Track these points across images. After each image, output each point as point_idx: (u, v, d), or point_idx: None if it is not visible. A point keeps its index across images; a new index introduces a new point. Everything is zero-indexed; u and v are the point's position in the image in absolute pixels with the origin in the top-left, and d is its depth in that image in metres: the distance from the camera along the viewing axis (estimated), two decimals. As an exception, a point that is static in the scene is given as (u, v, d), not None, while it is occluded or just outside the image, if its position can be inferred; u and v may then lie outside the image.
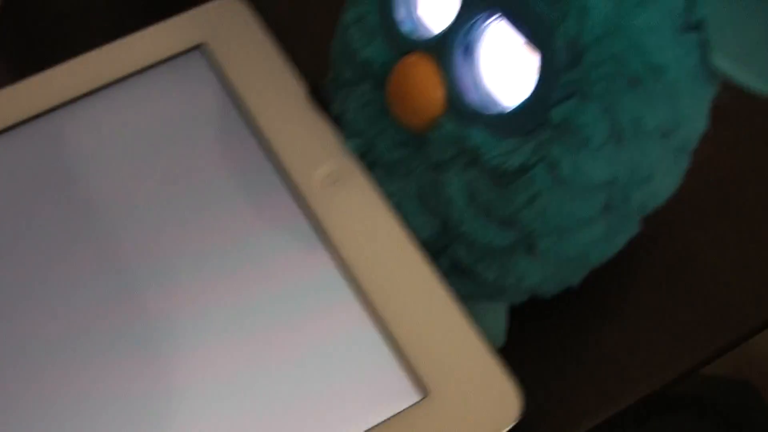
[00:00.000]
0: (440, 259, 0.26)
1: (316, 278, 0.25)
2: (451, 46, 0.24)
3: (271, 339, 0.24)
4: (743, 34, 0.22)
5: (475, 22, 0.23)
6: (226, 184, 0.27)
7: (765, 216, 0.30)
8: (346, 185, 0.26)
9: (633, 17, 0.21)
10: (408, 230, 0.26)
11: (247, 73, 0.29)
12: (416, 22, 0.25)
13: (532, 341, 0.27)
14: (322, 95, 0.28)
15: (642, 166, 0.23)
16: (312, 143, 0.27)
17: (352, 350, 0.24)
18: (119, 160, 0.28)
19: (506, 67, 0.24)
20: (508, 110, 0.23)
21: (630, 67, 0.21)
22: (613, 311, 0.28)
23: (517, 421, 0.23)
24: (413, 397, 0.24)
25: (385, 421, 0.23)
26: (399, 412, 0.23)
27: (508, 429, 0.23)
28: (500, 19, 0.23)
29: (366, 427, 0.23)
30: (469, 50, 0.24)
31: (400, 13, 0.25)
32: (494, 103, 0.24)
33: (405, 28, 0.25)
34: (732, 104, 0.23)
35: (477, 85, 0.24)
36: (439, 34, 0.24)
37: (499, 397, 0.23)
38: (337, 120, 0.28)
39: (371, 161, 0.27)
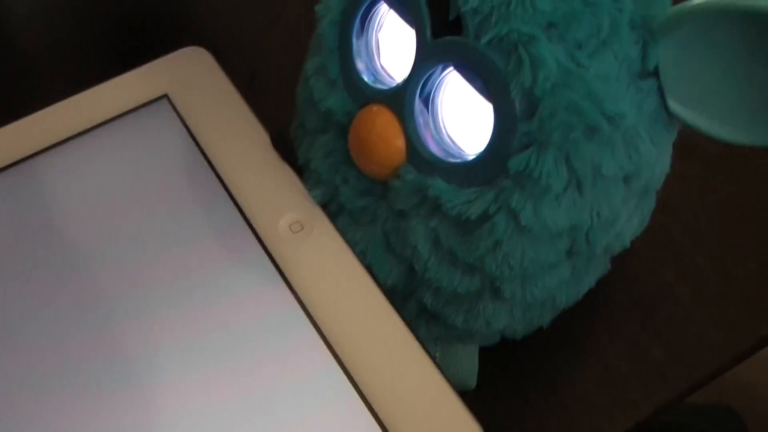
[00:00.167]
0: (408, 304, 0.26)
1: (281, 321, 0.25)
2: (410, 97, 0.24)
3: (236, 379, 0.24)
4: (696, 80, 0.22)
5: (432, 74, 0.23)
6: (194, 231, 0.27)
7: (736, 251, 0.30)
8: (312, 233, 0.26)
9: (587, 67, 0.21)
10: (373, 277, 0.26)
11: (212, 122, 0.29)
12: (376, 73, 0.25)
13: (504, 379, 0.27)
14: (287, 142, 0.28)
15: (604, 210, 0.23)
16: (276, 192, 0.27)
17: (315, 391, 0.24)
18: (90, 209, 0.28)
19: (466, 118, 0.24)
20: (468, 159, 0.23)
21: (586, 117, 0.21)
22: (585, 349, 0.29)
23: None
24: None
25: None
26: None
27: None
28: (455, 70, 0.23)
29: None
30: (428, 100, 0.24)
31: (361, 64, 0.25)
32: (455, 152, 0.24)
33: (365, 78, 0.25)
34: (701, 141, 0.23)
35: (437, 134, 0.24)
36: (399, 84, 0.24)
37: None
38: (303, 167, 0.28)
39: (336, 209, 0.27)
